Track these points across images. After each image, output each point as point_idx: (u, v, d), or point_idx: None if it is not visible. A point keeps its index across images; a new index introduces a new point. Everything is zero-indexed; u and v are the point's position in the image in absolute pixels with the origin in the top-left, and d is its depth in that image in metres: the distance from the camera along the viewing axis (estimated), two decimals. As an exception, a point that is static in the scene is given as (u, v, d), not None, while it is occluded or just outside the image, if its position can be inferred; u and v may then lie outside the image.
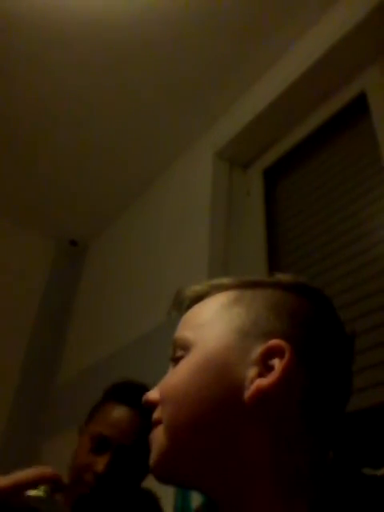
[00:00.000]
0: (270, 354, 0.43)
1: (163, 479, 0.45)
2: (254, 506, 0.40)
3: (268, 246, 1.50)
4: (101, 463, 0.82)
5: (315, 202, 1.41)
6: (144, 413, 0.85)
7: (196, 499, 0.89)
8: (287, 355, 0.42)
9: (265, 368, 0.43)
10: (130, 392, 0.90)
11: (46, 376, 2.06)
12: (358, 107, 1.39)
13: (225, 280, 0.52)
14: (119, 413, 0.86)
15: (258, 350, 0.43)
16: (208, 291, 0.52)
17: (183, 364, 0.46)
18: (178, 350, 0.48)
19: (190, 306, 0.52)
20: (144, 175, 2.09)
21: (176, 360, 0.48)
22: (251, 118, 1.62)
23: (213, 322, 0.47)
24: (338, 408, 0.46)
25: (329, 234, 1.31)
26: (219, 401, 0.43)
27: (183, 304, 0.53)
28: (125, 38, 1.58)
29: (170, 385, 0.47)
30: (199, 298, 0.52)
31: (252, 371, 0.43)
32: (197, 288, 0.53)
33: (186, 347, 0.47)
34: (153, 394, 0.48)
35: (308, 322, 0.46)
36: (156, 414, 0.47)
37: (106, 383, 0.97)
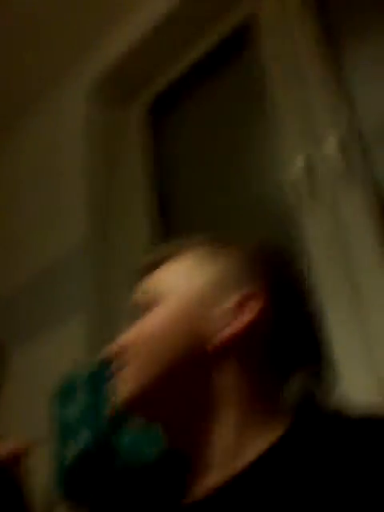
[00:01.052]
0: (242, 302, 0.47)
1: (130, 413, 0.50)
2: (223, 435, 0.45)
3: (154, 191, 1.44)
4: None
5: (202, 141, 1.37)
6: None
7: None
8: (259, 301, 0.47)
9: (232, 313, 0.47)
10: None
11: None
12: (243, 33, 1.33)
13: (191, 240, 0.55)
14: None
15: (231, 299, 0.48)
16: (171, 252, 0.55)
17: (155, 314, 0.50)
18: (143, 304, 0.51)
19: (154, 267, 0.55)
20: (5, 119, 1.85)
21: (143, 311, 0.51)
22: (128, 47, 1.50)
23: (184, 277, 0.51)
24: (301, 347, 0.51)
25: (216, 175, 1.29)
26: (190, 344, 0.47)
27: (150, 265, 0.56)
28: None
29: (142, 328, 0.50)
30: (163, 259, 0.55)
31: (225, 317, 0.47)
32: (161, 250, 0.57)
33: (156, 299, 0.50)
34: (120, 341, 0.51)
35: (273, 276, 0.51)
36: (117, 362, 0.50)
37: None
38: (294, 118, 1.12)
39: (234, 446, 0.44)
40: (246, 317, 0.47)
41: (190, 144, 1.42)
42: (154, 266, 0.55)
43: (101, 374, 0.86)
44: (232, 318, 0.47)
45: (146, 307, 0.51)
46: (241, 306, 0.47)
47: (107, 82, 1.60)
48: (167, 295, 0.50)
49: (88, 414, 0.85)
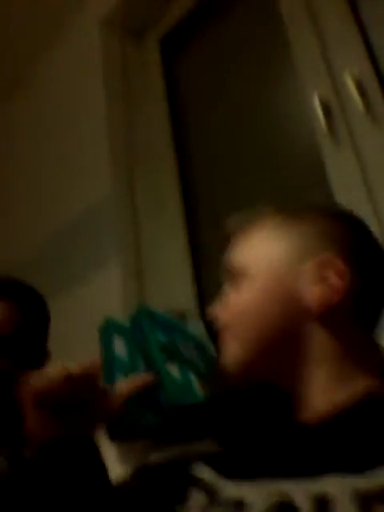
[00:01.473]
0: (323, 266, 0.51)
1: (240, 381, 0.56)
2: (319, 388, 0.50)
3: (172, 125, 1.39)
4: None
5: (218, 74, 1.30)
6: (20, 302, 0.86)
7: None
8: (341, 263, 0.50)
9: (320, 279, 0.50)
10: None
11: None
12: None
13: (269, 209, 0.58)
14: None
15: (315, 263, 0.51)
16: (253, 220, 0.58)
17: (247, 286, 0.54)
18: (235, 274, 0.56)
19: (236, 233, 0.59)
20: (23, 57, 1.81)
21: (232, 283, 0.56)
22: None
23: (267, 246, 0.55)
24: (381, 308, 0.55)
25: (233, 109, 1.23)
26: (286, 313, 0.52)
27: (231, 232, 0.60)
28: None
29: (239, 305, 0.55)
30: (245, 225, 0.58)
31: (311, 284, 0.51)
32: (242, 217, 0.60)
33: (242, 272, 0.55)
34: (222, 312, 0.57)
35: (352, 241, 0.54)
36: (221, 326, 0.56)
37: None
38: (311, 56, 1.07)
39: (331, 385, 0.50)
40: (333, 279, 0.50)
41: (205, 79, 1.36)
42: (232, 236, 0.59)
43: (140, 322, 0.90)
44: (319, 280, 0.51)
45: (232, 278, 0.56)
46: (325, 268, 0.51)
47: (120, 14, 1.50)
48: (254, 266, 0.55)
49: (135, 356, 0.89)
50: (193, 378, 0.87)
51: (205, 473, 0.46)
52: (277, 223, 0.56)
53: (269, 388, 0.58)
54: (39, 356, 0.91)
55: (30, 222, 1.68)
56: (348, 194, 0.96)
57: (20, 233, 1.73)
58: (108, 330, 0.93)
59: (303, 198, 1.03)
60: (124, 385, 0.61)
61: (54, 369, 0.56)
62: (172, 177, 1.37)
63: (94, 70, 1.53)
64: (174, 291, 1.25)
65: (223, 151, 1.26)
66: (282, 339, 0.52)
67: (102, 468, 0.56)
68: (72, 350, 1.25)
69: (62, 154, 1.59)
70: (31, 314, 0.88)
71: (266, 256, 0.55)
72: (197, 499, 0.44)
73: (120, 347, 0.91)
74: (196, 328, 1.04)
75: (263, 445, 0.50)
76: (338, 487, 0.37)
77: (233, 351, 0.55)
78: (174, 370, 0.86)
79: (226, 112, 1.27)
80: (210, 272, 1.22)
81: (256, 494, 0.40)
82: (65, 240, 1.48)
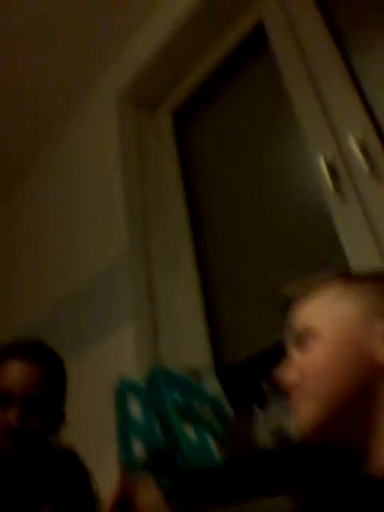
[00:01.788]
0: None
1: (313, 441, 0.57)
2: None
3: (185, 189, 1.45)
4: (11, 416, 0.82)
5: (227, 141, 1.38)
6: (45, 364, 0.88)
7: (138, 451, 0.88)
8: None
9: None
10: (26, 347, 0.91)
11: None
12: (258, 37, 1.34)
13: (327, 275, 0.62)
14: (18, 366, 0.88)
15: (380, 326, 0.54)
16: (313, 287, 0.61)
17: (317, 347, 0.56)
18: (303, 336, 0.58)
19: (298, 298, 0.62)
20: (46, 130, 1.93)
21: (299, 345, 0.59)
22: (152, 54, 1.53)
23: (335, 309, 0.58)
24: None
25: (242, 172, 1.29)
26: (359, 372, 0.54)
27: (293, 297, 0.63)
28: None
29: (312, 365, 0.57)
30: (308, 290, 0.61)
31: (379, 343, 0.53)
32: (302, 284, 0.64)
33: (311, 333, 0.57)
34: (285, 373, 0.60)
35: None
36: (292, 390, 0.58)
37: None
38: (315, 121, 1.12)
39: None
40: None
41: (215, 146, 1.44)
42: (297, 299, 0.62)
43: (156, 383, 0.89)
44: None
45: (299, 340, 0.59)
46: None
47: (134, 88, 1.62)
48: (323, 327, 0.57)
49: (150, 417, 0.87)
50: (209, 439, 0.85)
51: None
52: (342, 287, 0.59)
53: (335, 444, 0.60)
54: (58, 418, 0.92)
55: (46, 284, 1.71)
56: (357, 248, 0.97)
57: (36, 295, 1.76)
58: (123, 390, 0.92)
59: (314, 254, 1.05)
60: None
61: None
62: (185, 238, 1.40)
63: (111, 140, 1.62)
64: (189, 349, 1.25)
65: (234, 212, 1.30)
66: (356, 398, 0.54)
67: None
68: (86, 411, 1.23)
69: (80, 219, 1.65)
70: (55, 376, 0.90)
71: (335, 317, 0.57)
72: None
73: (135, 408, 0.90)
74: (212, 386, 1.03)
75: (342, 499, 0.52)
76: None
77: (307, 412, 0.56)
78: (190, 432, 0.84)
79: (235, 176, 1.33)
80: (224, 329, 1.22)
81: None
82: (80, 302, 1.51)
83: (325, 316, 0.58)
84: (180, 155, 1.54)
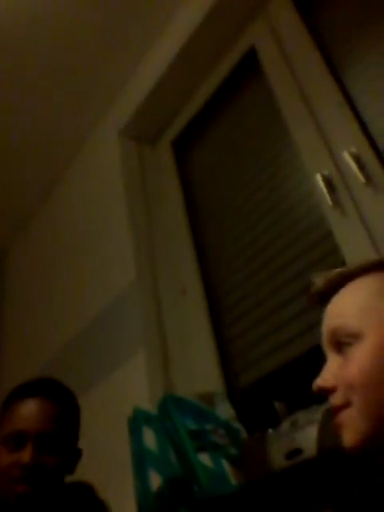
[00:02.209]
0: None
1: (361, 454, 0.51)
2: None
3: (188, 216, 1.48)
4: (25, 455, 0.80)
5: (227, 165, 1.41)
6: (58, 401, 0.87)
7: (154, 481, 0.86)
8: None
9: None
10: (38, 385, 0.89)
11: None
12: (250, 62, 1.39)
13: (359, 264, 0.56)
14: (31, 405, 0.85)
15: None
16: (348, 278, 0.55)
17: (360, 350, 0.50)
18: (343, 338, 0.52)
19: (326, 295, 0.57)
20: (50, 171, 1.99)
21: (339, 348, 0.53)
22: (149, 90, 1.58)
23: (372, 307, 0.51)
24: None
25: (243, 195, 1.32)
26: None
27: (320, 293, 0.58)
28: (11, 24, 1.48)
29: (357, 371, 0.50)
30: (335, 286, 0.56)
31: None
32: (331, 276, 0.57)
33: (353, 334, 0.51)
34: (327, 381, 0.53)
35: None
36: (337, 400, 0.52)
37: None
38: (308, 138, 1.14)
39: None
40: None
41: (215, 170, 1.47)
42: (329, 293, 0.56)
43: (168, 411, 0.89)
44: None
45: (338, 343, 0.53)
46: None
47: (134, 124, 1.68)
48: (366, 330, 0.51)
49: (165, 446, 0.86)
50: (225, 464, 0.84)
51: None
52: (378, 280, 0.54)
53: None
54: (74, 457, 0.90)
55: (57, 323, 1.73)
56: (358, 260, 0.97)
57: (48, 335, 1.77)
58: (137, 420, 0.91)
59: (316, 267, 1.05)
60: None
61: None
62: (191, 264, 1.42)
63: (115, 176, 1.66)
64: (200, 375, 1.24)
65: (237, 235, 1.31)
66: None
67: None
68: (102, 442, 1.22)
69: (87, 254, 1.68)
70: (68, 413, 0.89)
71: (376, 316, 0.51)
72: None
73: (150, 438, 0.90)
74: (225, 410, 1.02)
75: None
76: None
77: (356, 424, 0.51)
78: (205, 458, 0.83)
79: (236, 199, 1.35)
80: (234, 353, 1.21)
81: None
82: (91, 336, 1.51)
83: (368, 315, 0.51)
84: (182, 183, 1.57)
